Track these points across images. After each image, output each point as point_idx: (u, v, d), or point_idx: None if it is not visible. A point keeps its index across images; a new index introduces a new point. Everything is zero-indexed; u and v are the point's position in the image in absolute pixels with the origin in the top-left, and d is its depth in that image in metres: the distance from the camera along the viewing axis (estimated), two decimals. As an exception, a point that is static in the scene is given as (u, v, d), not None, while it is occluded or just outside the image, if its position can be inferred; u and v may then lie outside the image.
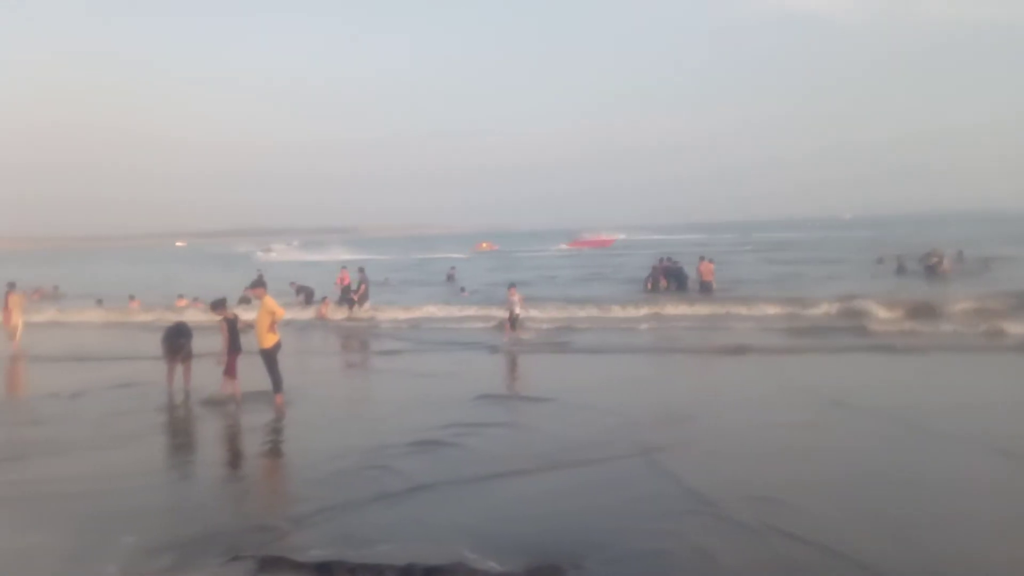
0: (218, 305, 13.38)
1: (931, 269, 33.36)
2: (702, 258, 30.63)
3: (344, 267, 29.77)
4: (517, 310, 19.05)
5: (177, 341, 13.65)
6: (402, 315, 25.27)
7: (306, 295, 30.17)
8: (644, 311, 23.70)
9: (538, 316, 23.09)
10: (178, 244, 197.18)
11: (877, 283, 30.53)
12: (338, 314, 26.05)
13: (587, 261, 60.66)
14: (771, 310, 22.50)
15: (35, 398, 14.33)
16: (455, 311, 25.64)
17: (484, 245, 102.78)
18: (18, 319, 19.95)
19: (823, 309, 22.21)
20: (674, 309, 23.74)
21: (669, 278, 31.13)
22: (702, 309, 23.51)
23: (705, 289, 28.97)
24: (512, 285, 19.82)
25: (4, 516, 7.80)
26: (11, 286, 20.82)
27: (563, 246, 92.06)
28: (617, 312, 23.83)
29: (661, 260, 32.76)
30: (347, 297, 26.89)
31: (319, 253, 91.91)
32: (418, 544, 6.60)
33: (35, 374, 17.11)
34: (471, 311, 25.25)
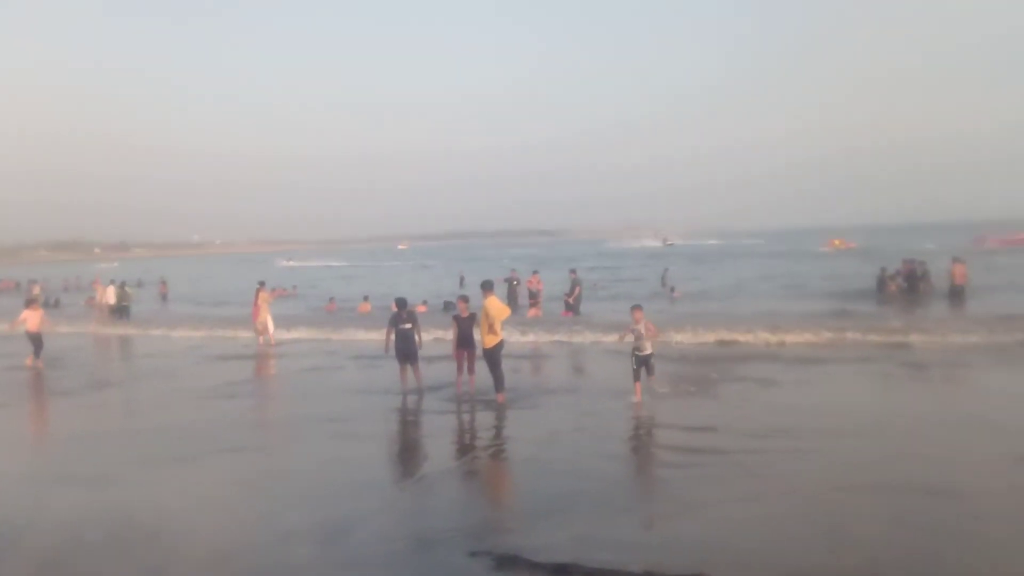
0: (459, 301, 13.92)
1: None
2: (955, 259, 27.75)
3: (536, 271, 29.11)
4: (648, 347, 12.80)
5: (400, 327, 13.91)
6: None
7: (510, 290, 28.41)
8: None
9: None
10: (401, 247, 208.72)
11: None
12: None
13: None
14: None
15: (264, 398, 15.67)
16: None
17: (836, 242, 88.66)
18: (266, 315, 21.82)
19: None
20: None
21: (906, 280, 29.31)
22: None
23: (956, 293, 26.51)
24: (637, 306, 13.32)
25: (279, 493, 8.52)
26: (261, 284, 22.85)
27: (989, 244, 70.54)
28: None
29: (904, 262, 30.71)
30: (564, 301, 26.90)
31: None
32: (654, 552, 6.51)
33: (278, 371, 18.66)
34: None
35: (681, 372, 15.05)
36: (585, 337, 20.63)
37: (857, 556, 6.34)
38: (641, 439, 10.91)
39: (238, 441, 11.19)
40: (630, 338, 12.99)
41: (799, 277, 44.67)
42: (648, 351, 12.85)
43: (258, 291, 22.24)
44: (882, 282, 30.18)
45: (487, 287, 13.52)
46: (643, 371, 12.84)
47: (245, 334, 23.28)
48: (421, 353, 14.23)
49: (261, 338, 21.71)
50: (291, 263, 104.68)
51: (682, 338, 19.45)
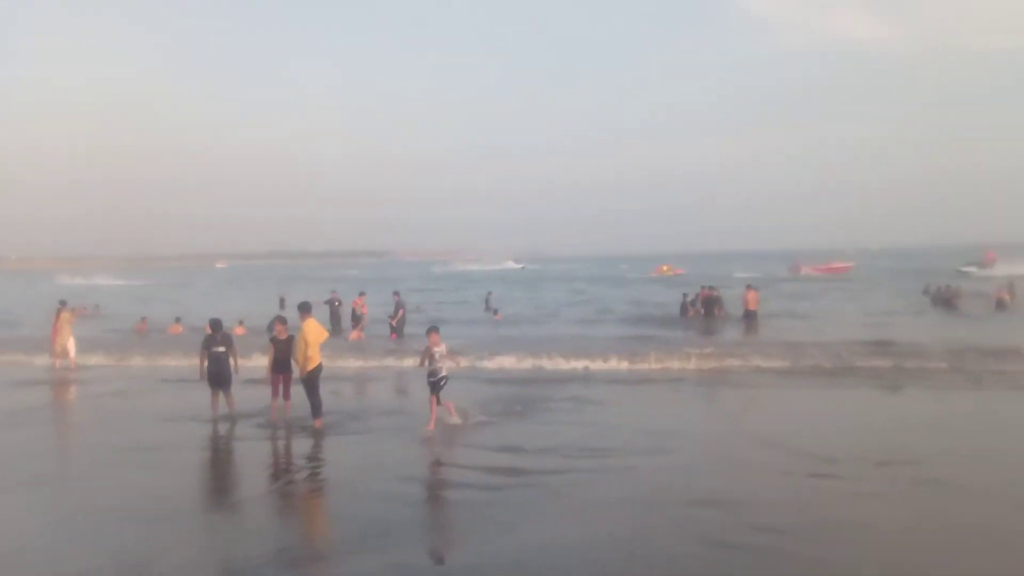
0: (277, 322, 13.61)
1: (946, 301, 34.83)
2: (748, 286, 30.42)
3: (361, 293, 28.86)
4: (442, 370, 12.47)
5: (213, 350, 13.39)
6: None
7: (332, 312, 28.38)
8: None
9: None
10: (219, 266, 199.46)
11: (920, 318, 31.07)
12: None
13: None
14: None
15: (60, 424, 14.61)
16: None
17: (664, 268, 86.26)
18: (67, 337, 20.35)
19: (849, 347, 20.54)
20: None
21: (704, 306, 31.47)
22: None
23: (749, 318, 28.70)
24: (433, 328, 12.95)
25: None
26: (62, 304, 21.29)
27: (802, 271, 74.51)
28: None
29: (702, 288, 32.77)
30: (388, 323, 26.75)
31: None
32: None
33: (78, 396, 17.43)
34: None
35: (495, 394, 15.35)
36: (406, 362, 20.45)
37: (653, 571, 6.71)
38: (455, 463, 10.95)
39: (31, 473, 10.33)
40: (423, 360, 12.68)
41: (615, 302, 46.50)
42: (443, 374, 12.53)
43: (59, 311, 20.71)
44: (684, 308, 32.07)
45: (304, 309, 13.22)
46: (439, 396, 12.53)
47: (42, 358, 21.50)
48: (236, 377, 13.74)
49: (58, 361, 20.22)
50: (77, 280, 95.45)
51: (500, 361, 19.87)
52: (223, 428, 12.94)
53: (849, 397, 15.44)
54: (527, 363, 19.95)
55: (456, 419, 12.66)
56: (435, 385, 12.48)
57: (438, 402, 12.53)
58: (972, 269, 63.59)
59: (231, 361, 13.53)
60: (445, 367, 12.56)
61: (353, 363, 20.54)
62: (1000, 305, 32.26)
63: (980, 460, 10.39)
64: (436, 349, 12.46)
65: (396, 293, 28.64)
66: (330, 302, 29.05)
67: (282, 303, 39.38)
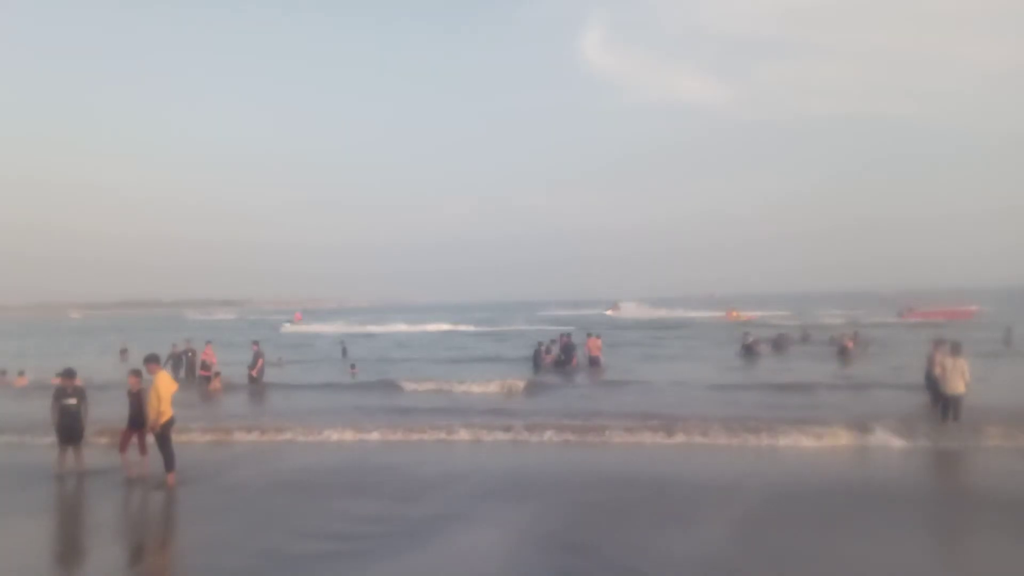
0: (133, 374, 12.70)
1: (748, 349, 33.94)
2: (590, 334, 31.20)
3: (209, 342, 27.64)
4: None
5: (64, 402, 12.42)
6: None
7: (189, 364, 27.16)
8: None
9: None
10: (73, 316, 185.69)
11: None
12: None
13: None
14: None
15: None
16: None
17: (734, 313, 73.81)
18: None
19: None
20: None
21: (559, 353, 30.81)
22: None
23: (594, 364, 29.23)
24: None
25: None
26: None
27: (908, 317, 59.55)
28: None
29: (561, 336, 32.53)
30: (248, 374, 25.80)
31: None
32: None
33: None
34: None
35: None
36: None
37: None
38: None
39: None
40: None
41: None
42: None
43: None
44: (537, 356, 31.18)
45: (153, 361, 12.58)
46: None
47: None
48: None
49: None
50: None
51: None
52: (71, 486, 11.99)
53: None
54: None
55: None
56: None
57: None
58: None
59: (83, 414, 12.64)
60: None
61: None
62: (843, 353, 31.99)
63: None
64: None
65: (255, 343, 27.67)
66: (184, 352, 27.85)
67: (124, 355, 36.83)
